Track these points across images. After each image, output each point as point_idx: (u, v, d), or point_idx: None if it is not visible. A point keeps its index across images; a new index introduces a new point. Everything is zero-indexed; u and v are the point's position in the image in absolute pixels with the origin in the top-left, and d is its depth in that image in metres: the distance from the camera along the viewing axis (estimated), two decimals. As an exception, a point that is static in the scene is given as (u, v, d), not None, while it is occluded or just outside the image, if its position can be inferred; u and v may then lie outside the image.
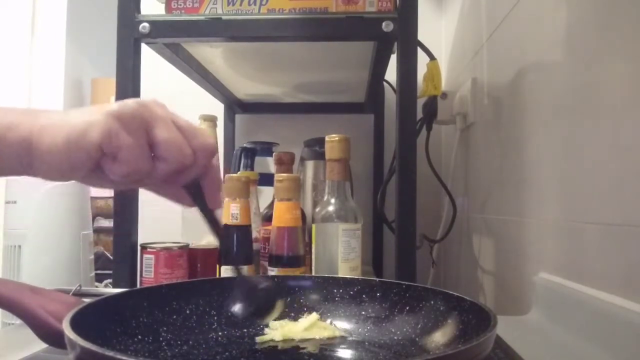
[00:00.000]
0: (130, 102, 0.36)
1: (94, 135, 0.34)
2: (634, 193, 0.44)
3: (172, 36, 0.72)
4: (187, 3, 0.72)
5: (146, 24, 0.69)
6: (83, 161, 0.35)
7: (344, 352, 0.46)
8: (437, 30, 1.30)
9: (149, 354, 0.42)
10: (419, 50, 0.72)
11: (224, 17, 0.70)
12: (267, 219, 0.82)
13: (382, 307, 0.49)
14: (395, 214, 0.69)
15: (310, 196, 1.00)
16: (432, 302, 0.46)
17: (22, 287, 0.46)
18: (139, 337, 0.43)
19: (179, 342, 0.45)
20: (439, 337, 0.43)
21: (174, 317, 0.47)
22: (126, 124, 0.35)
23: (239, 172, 1.01)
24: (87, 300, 0.40)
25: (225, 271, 0.69)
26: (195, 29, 0.70)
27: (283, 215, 0.69)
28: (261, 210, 0.90)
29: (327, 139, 0.71)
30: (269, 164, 1.14)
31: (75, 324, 0.32)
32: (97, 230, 1.37)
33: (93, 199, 1.29)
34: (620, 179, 0.46)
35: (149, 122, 0.36)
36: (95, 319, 0.38)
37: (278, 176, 0.71)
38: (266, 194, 0.98)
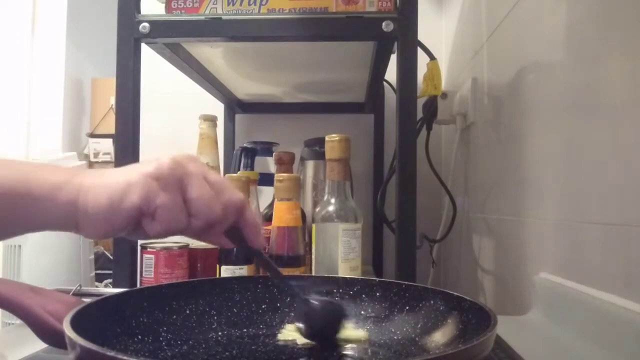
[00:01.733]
0: (166, 162, 0.38)
1: (134, 197, 0.36)
2: (634, 193, 0.44)
3: (172, 36, 0.72)
4: (187, 3, 0.72)
5: (146, 24, 0.69)
6: (124, 221, 0.37)
7: (344, 351, 0.46)
8: (437, 30, 1.30)
9: (149, 353, 0.42)
10: (419, 50, 0.72)
11: (224, 17, 0.70)
12: (267, 218, 0.82)
13: (382, 306, 0.49)
14: (395, 213, 0.69)
15: (310, 196, 1.00)
16: (432, 302, 0.46)
17: (22, 287, 0.46)
18: (139, 336, 0.43)
19: (179, 342, 0.45)
20: (439, 337, 0.43)
21: (174, 317, 0.47)
22: (163, 185, 0.37)
23: (239, 172, 1.01)
24: (87, 300, 0.40)
25: (226, 271, 0.69)
26: (195, 29, 0.70)
27: (283, 215, 0.69)
28: (261, 210, 0.90)
29: (327, 138, 0.71)
30: (269, 163, 1.14)
31: (75, 324, 0.32)
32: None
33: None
34: (620, 179, 0.46)
35: (183, 180, 0.38)
36: (95, 319, 0.38)
37: (278, 176, 0.71)
38: (266, 193, 0.98)
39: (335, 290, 0.52)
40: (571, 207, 0.56)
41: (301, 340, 0.47)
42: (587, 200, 0.52)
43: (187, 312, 0.48)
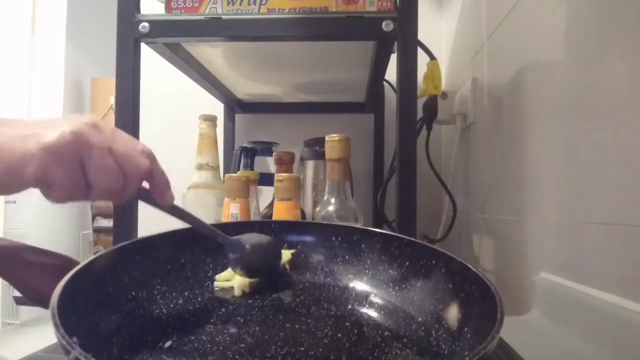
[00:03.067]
0: (67, 134, 0.37)
1: (29, 171, 0.36)
2: (634, 193, 0.44)
3: (172, 36, 0.72)
4: (187, 3, 0.72)
5: (146, 24, 0.69)
6: (19, 187, 0.37)
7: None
8: (437, 30, 1.30)
9: (143, 311, 0.40)
10: (419, 50, 0.71)
11: (223, 17, 0.70)
12: (267, 218, 0.82)
13: (382, 259, 0.47)
14: (395, 213, 0.69)
15: (310, 196, 1.00)
16: (433, 262, 0.44)
17: (17, 247, 0.46)
18: (132, 293, 0.41)
19: (174, 294, 0.43)
20: (439, 302, 0.41)
21: (168, 267, 0.45)
22: (60, 159, 0.37)
23: (238, 172, 1.01)
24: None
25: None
26: (195, 28, 0.70)
27: (283, 215, 0.69)
28: (261, 210, 0.90)
29: (327, 138, 0.71)
30: (269, 163, 1.14)
31: (64, 297, 0.31)
32: (97, 230, 1.38)
33: (93, 198, 1.29)
34: (620, 179, 0.46)
35: (83, 154, 0.38)
36: (83, 288, 0.36)
37: (278, 176, 0.71)
38: (266, 193, 0.98)
39: (334, 239, 0.50)
40: (571, 207, 0.56)
41: (239, 281, 0.45)
42: (587, 200, 0.52)
43: (182, 261, 0.46)
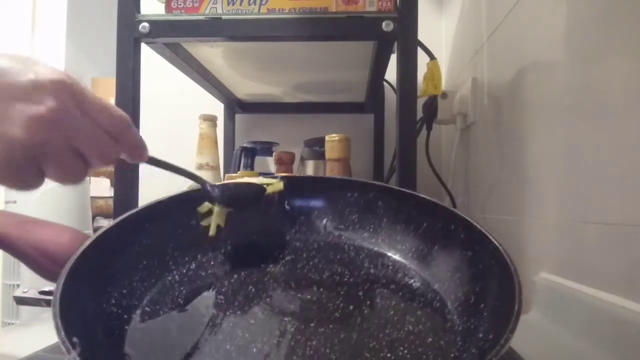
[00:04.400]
0: (45, 121, 0.34)
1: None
2: (634, 193, 0.44)
3: (172, 36, 0.72)
4: (187, 3, 0.72)
5: (146, 24, 0.69)
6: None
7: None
8: (437, 30, 1.30)
9: (155, 280, 0.39)
10: (419, 50, 0.72)
11: (224, 17, 0.70)
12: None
13: (398, 217, 0.45)
14: (395, 213, 0.69)
15: (310, 196, 1.00)
16: (452, 227, 0.42)
17: (20, 220, 0.46)
18: (144, 262, 0.40)
19: (186, 259, 0.42)
20: (449, 265, 0.40)
21: (179, 230, 0.43)
22: (45, 156, 0.35)
23: (239, 172, 1.01)
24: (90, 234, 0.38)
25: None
26: (195, 28, 0.70)
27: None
28: (261, 210, 0.90)
29: (327, 138, 0.71)
30: (269, 163, 1.14)
31: (69, 284, 0.31)
32: (97, 230, 1.37)
33: (93, 198, 1.29)
34: (620, 179, 0.46)
35: (71, 140, 0.36)
36: (94, 264, 0.36)
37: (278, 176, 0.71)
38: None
39: (349, 194, 0.48)
40: (571, 207, 0.56)
41: (216, 215, 0.44)
42: (587, 200, 0.52)
43: (193, 223, 0.44)
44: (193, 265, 0.42)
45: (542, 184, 0.65)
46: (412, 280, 0.41)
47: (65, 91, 0.36)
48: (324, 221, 0.48)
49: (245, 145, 1.14)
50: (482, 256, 0.37)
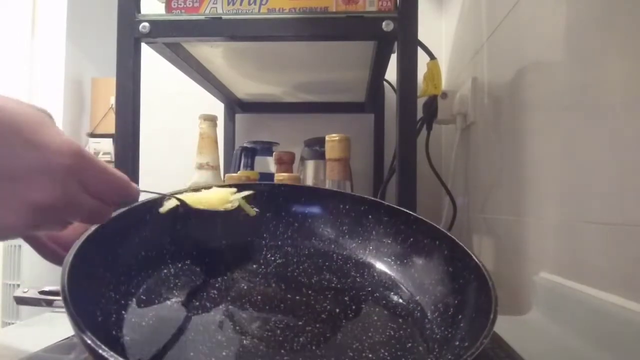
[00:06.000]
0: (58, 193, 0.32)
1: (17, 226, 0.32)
2: (634, 193, 0.44)
3: (172, 36, 0.72)
4: (187, 3, 0.72)
5: (146, 24, 0.69)
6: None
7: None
8: (437, 29, 1.30)
9: (152, 270, 0.40)
10: (419, 50, 0.71)
11: (224, 17, 0.70)
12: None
13: (387, 232, 0.47)
14: (395, 213, 0.69)
15: (311, 196, 1.00)
16: (437, 243, 0.44)
17: None
18: (142, 253, 0.41)
19: (182, 254, 0.43)
20: (436, 283, 0.42)
21: (177, 226, 0.44)
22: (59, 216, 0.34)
23: (239, 172, 1.01)
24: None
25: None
26: (195, 28, 0.70)
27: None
28: (261, 210, 0.90)
29: (327, 138, 0.71)
30: (269, 163, 1.14)
31: (73, 268, 0.31)
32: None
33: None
34: (620, 179, 0.46)
35: (67, 216, 0.35)
36: (96, 252, 0.36)
37: (278, 176, 0.71)
38: (266, 193, 0.98)
39: (341, 206, 0.50)
40: (571, 207, 0.56)
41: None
42: (587, 200, 0.52)
43: (191, 219, 0.45)
44: (188, 261, 0.44)
45: (542, 183, 0.65)
46: (396, 291, 0.43)
47: (74, 174, 0.33)
48: (316, 229, 0.50)
49: (245, 145, 1.14)
50: (463, 272, 0.40)
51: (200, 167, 0.93)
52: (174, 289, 0.41)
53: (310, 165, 1.02)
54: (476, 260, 0.39)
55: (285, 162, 0.92)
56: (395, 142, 0.70)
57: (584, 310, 0.50)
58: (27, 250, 1.16)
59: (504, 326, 0.53)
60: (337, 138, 0.70)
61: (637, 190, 0.43)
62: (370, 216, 0.49)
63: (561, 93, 0.59)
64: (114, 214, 0.40)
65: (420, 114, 0.98)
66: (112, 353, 0.25)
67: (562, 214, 0.59)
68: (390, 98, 1.21)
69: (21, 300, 0.63)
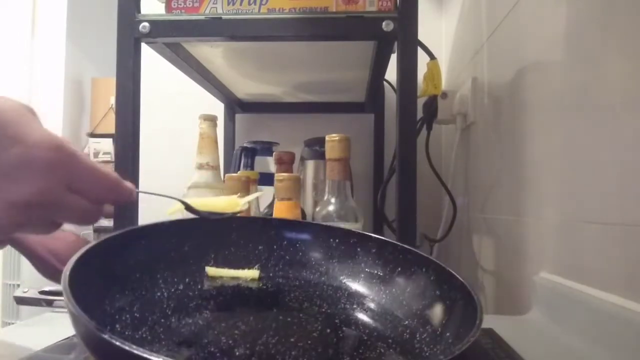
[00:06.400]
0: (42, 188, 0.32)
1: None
2: (634, 193, 0.44)
3: (172, 36, 0.72)
4: (187, 3, 0.72)
5: (146, 24, 0.69)
6: None
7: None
8: (437, 29, 1.30)
9: (146, 292, 0.42)
10: (419, 50, 0.72)
11: (224, 17, 0.70)
12: (267, 218, 0.82)
13: (376, 263, 0.50)
14: (395, 213, 0.69)
15: (311, 196, 1.00)
16: (424, 270, 0.46)
17: None
18: (137, 275, 0.42)
19: (175, 280, 0.45)
20: (427, 309, 0.43)
21: (172, 254, 0.46)
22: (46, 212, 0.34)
23: (239, 172, 1.01)
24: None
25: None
26: (195, 28, 0.70)
27: (283, 215, 0.69)
28: (261, 210, 0.90)
29: (327, 138, 0.71)
30: (269, 163, 1.14)
31: (73, 280, 0.31)
32: (97, 230, 1.37)
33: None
34: (620, 179, 0.46)
35: (52, 214, 0.35)
36: (92, 268, 0.37)
37: (278, 176, 0.71)
38: (266, 193, 0.98)
39: (331, 240, 0.52)
40: (571, 207, 0.56)
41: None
42: (587, 200, 0.53)
43: (186, 249, 0.47)
44: (181, 286, 0.45)
45: (541, 183, 0.65)
46: (385, 316, 0.45)
47: (57, 169, 0.32)
48: (309, 260, 0.52)
49: (245, 145, 1.14)
50: (449, 293, 0.42)
51: (200, 167, 0.93)
52: (167, 309, 0.42)
53: (310, 165, 1.02)
54: (461, 280, 0.41)
55: (285, 162, 0.92)
56: (395, 142, 0.70)
57: (584, 310, 0.50)
58: (27, 250, 1.16)
59: (504, 326, 0.54)
60: (337, 138, 0.69)
61: (637, 190, 0.43)
62: (359, 248, 0.51)
63: (561, 93, 0.59)
64: (112, 234, 0.41)
65: (420, 114, 0.98)
66: (143, 349, 0.25)
67: (562, 214, 0.59)
68: (390, 98, 1.21)
69: (21, 300, 0.63)
